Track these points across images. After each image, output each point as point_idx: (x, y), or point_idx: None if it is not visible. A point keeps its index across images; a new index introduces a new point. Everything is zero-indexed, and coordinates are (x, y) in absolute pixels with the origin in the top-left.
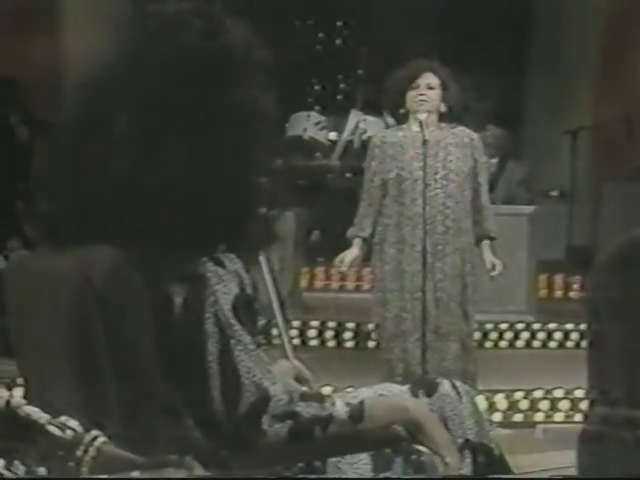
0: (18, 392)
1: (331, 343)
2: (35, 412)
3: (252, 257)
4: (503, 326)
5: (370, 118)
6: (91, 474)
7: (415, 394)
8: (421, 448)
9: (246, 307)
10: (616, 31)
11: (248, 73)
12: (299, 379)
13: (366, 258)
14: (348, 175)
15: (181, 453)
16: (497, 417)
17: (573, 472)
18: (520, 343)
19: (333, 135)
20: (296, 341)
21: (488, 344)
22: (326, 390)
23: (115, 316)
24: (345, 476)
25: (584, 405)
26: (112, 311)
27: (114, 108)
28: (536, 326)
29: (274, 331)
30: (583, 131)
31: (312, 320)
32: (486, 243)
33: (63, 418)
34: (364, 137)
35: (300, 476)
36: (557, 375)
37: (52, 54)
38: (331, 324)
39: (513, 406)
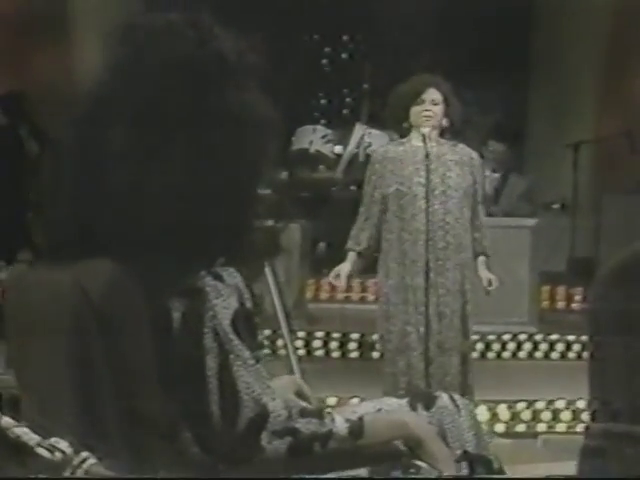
0: None
1: (336, 354)
2: (25, 433)
3: (256, 269)
4: (506, 337)
5: (375, 131)
6: None
7: (414, 407)
8: (420, 463)
9: (245, 322)
10: (617, 47)
11: (241, 79)
12: (299, 394)
13: (370, 270)
14: (353, 188)
15: (179, 468)
16: (500, 427)
17: None
18: (522, 354)
19: (338, 148)
20: (301, 351)
21: (491, 355)
22: (331, 400)
23: (113, 330)
24: None
25: (586, 416)
26: (110, 325)
27: (110, 122)
28: (538, 337)
29: (279, 341)
30: (585, 145)
31: (317, 331)
32: (482, 259)
33: (53, 440)
34: (369, 150)
35: (299, 477)
36: (559, 386)
37: (62, 67)
38: (336, 335)
39: (515, 416)
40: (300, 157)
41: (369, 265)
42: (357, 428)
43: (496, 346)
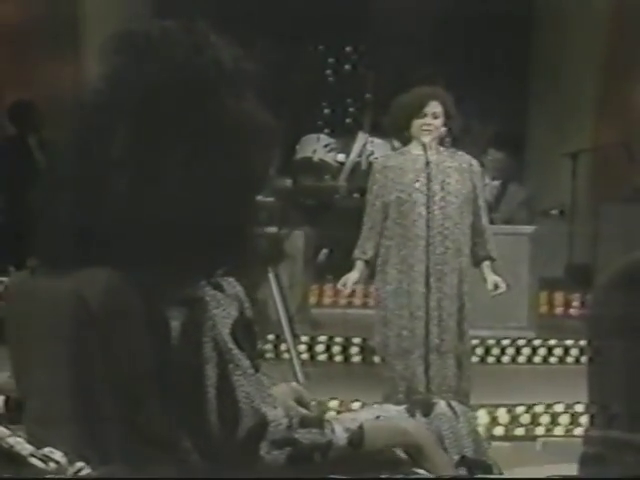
0: None
1: (338, 358)
2: (19, 443)
3: (260, 275)
4: (505, 342)
5: (377, 140)
6: None
7: (412, 414)
8: (420, 471)
9: (245, 331)
10: (616, 58)
11: (239, 86)
12: (299, 401)
13: (372, 276)
14: (355, 195)
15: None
16: (499, 431)
17: None
18: (521, 358)
19: (341, 157)
20: (304, 356)
21: (490, 359)
22: (333, 403)
23: (112, 339)
24: None
25: (584, 419)
26: (109, 334)
27: (108, 131)
28: (537, 342)
29: (283, 346)
30: (583, 154)
31: (320, 335)
32: (487, 264)
33: (47, 450)
34: (371, 159)
35: (299, 477)
36: (557, 390)
37: (72, 77)
38: (338, 339)
39: (515, 420)
40: (304, 165)
41: (370, 272)
42: (357, 438)
43: (495, 351)
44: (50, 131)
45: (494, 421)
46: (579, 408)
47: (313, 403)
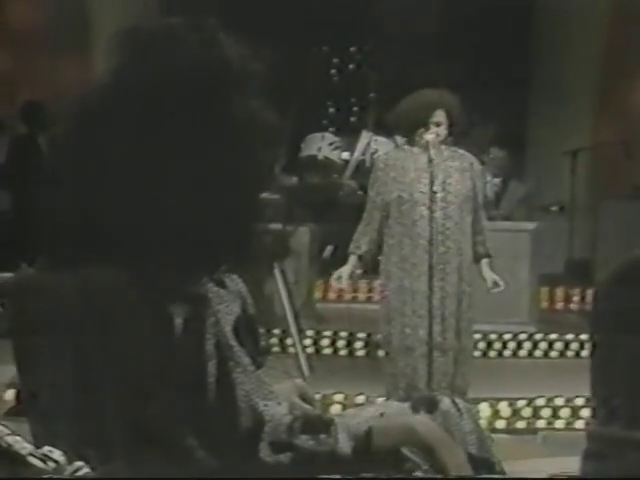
0: None
1: (343, 352)
2: (17, 442)
3: (265, 271)
4: (506, 336)
5: (381, 138)
6: None
7: (416, 411)
8: (419, 473)
9: (248, 328)
10: (615, 57)
11: (245, 84)
12: (303, 398)
13: (375, 271)
14: (360, 192)
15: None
16: (501, 424)
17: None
18: (523, 353)
19: (346, 155)
20: (310, 350)
21: (492, 353)
22: (338, 397)
23: (115, 335)
24: None
25: (584, 412)
26: (112, 330)
27: (113, 128)
28: (538, 336)
29: (289, 340)
30: (582, 151)
31: (325, 330)
32: (485, 261)
33: (46, 449)
34: (375, 156)
35: (300, 477)
36: (558, 383)
37: (82, 77)
38: (343, 334)
39: (516, 413)
40: (309, 163)
41: (376, 267)
42: (362, 445)
43: (497, 345)
44: (60, 130)
45: (496, 414)
46: (579, 401)
47: (317, 397)
